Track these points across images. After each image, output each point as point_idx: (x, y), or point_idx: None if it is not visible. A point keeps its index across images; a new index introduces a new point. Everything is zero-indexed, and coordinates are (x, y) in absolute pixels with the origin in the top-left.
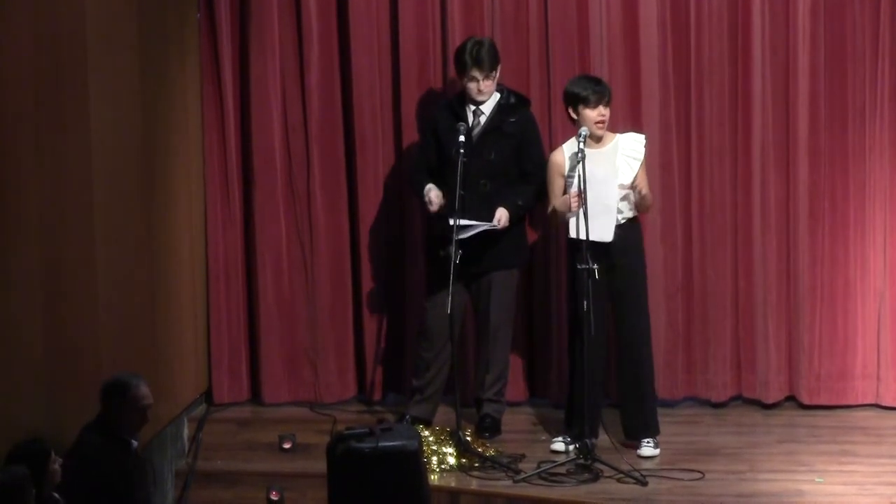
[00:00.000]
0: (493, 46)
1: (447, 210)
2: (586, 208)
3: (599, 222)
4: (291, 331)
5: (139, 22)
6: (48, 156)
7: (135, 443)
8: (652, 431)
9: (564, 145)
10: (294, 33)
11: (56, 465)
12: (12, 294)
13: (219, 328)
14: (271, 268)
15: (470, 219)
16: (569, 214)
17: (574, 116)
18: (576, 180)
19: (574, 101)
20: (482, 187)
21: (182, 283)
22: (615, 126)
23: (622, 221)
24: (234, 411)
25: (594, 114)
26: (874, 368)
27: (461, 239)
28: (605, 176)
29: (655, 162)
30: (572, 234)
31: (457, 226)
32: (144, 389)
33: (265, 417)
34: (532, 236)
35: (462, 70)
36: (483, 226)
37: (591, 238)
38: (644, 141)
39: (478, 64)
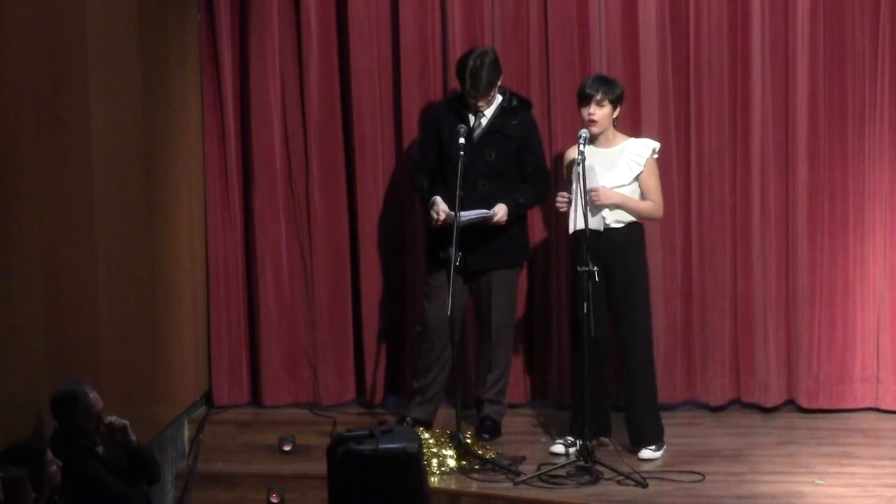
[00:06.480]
0: (493, 64)
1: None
2: (586, 209)
3: (592, 216)
4: (291, 333)
5: (140, 22)
6: (49, 156)
7: (100, 449)
8: (650, 440)
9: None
10: (294, 34)
11: (54, 465)
12: (13, 295)
13: (219, 330)
14: (271, 269)
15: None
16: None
17: None
18: (574, 178)
19: (577, 98)
20: (481, 187)
21: (182, 285)
22: (620, 128)
23: (618, 225)
24: (235, 413)
25: (584, 112)
26: (874, 371)
27: (459, 225)
28: (591, 173)
29: (657, 165)
30: (570, 230)
31: (457, 218)
32: (94, 395)
33: (265, 419)
34: (533, 237)
35: (461, 85)
36: (480, 212)
37: (584, 228)
38: (653, 147)
39: (475, 87)
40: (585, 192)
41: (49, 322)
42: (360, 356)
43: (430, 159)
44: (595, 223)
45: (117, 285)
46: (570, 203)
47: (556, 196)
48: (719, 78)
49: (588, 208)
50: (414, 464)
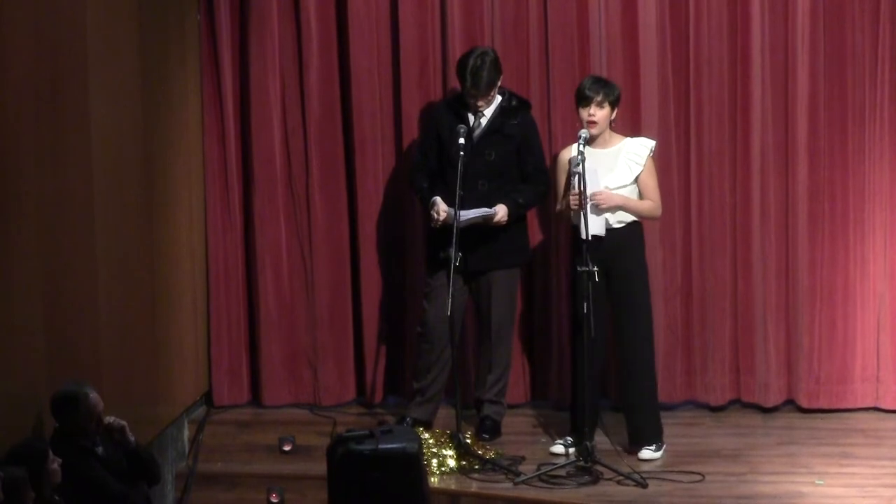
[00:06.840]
0: (493, 64)
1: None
2: (586, 210)
3: (593, 219)
4: (291, 333)
5: (140, 23)
6: (48, 156)
7: (100, 449)
8: (650, 439)
9: (573, 145)
10: (294, 35)
11: (55, 464)
12: (13, 295)
13: (219, 330)
14: (271, 270)
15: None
16: (570, 213)
17: None
18: (575, 180)
19: (575, 98)
20: (480, 187)
21: (183, 285)
22: (615, 129)
23: (619, 225)
24: (235, 413)
25: (584, 113)
26: (874, 371)
27: (460, 226)
28: (594, 175)
29: (654, 164)
30: (582, 235)
31: (456, 220)
32: (95, 396)
33: (265, 419)
34: (533, 237)
35: (461, 84)
36: (481, 211)
37: (588, 234)
38: (651, 146)
39: (475, 87)
40: (585, 192)
41: (49, 322)
42: (360, 356)
43: (429, 160)
44: (597, 226)
45: (117, 285)
46: (580, 202)
47: (563, 196)
48: (719, 78)
49: (589, 209)
50: (414, 464)
